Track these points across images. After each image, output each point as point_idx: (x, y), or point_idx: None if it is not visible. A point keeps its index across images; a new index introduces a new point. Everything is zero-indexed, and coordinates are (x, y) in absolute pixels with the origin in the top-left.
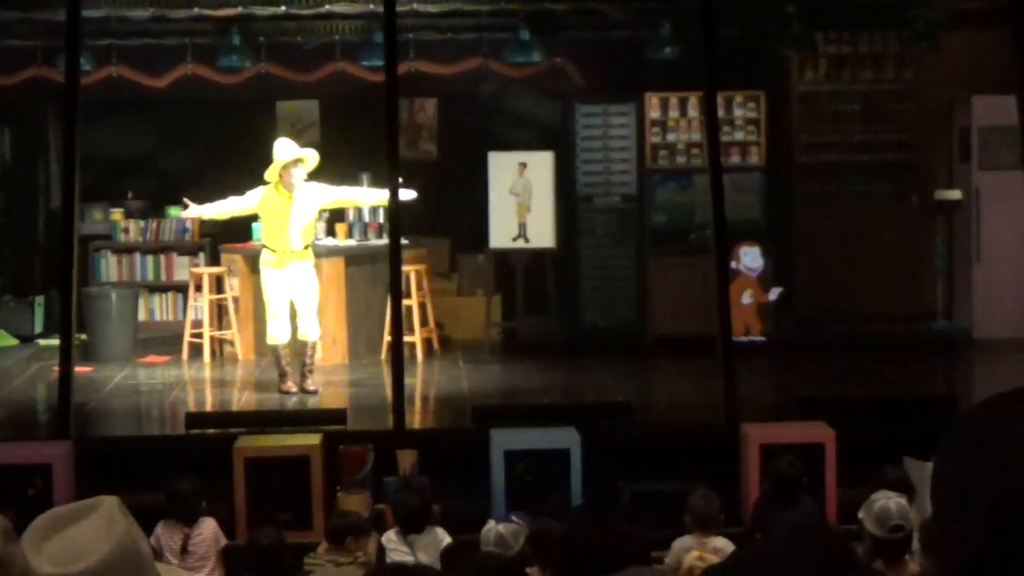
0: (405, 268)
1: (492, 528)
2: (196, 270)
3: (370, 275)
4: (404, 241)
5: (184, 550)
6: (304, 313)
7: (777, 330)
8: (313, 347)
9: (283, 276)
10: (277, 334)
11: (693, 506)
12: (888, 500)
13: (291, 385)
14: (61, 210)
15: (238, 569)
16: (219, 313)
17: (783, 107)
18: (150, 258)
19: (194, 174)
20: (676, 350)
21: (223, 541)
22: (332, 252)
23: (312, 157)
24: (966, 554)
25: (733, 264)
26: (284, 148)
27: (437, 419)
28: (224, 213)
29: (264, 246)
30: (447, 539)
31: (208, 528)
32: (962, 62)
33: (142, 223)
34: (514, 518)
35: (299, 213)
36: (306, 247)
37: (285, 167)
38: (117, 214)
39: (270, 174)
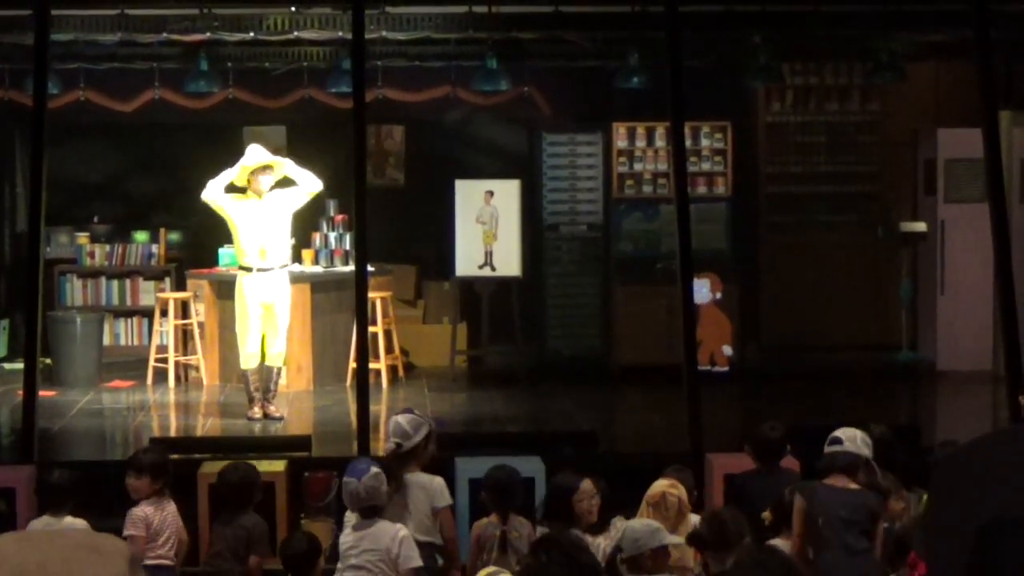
0: (371, 295)
1: (393, 419)
2: (162, 295)
3: (336, 302)
4: (370, 268)
5: (162, 521)
6: (274, 337)
7: (742, 360)
8: (279, 373)
9: (257, 295)
10: (250, 357)
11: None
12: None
13: (257, 411)
14: (27, 233)
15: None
16: (184, 338)
17: (749, 138)
18: (115, 282)
19: (161, 199)
20: (641, 379)
21: (181, 528)
22: (298, 279)
23: (280, 164)
24: None
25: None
26: (252, 154)
27: None
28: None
29: (239, 268)
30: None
31: (171, 508)
32: (927, 94)
33: (108, 247)
34: (415, 411)
35: (271, 220)
36: (282, 266)
37: (253, 172)
38: (83, 238)
39: (239, 179)
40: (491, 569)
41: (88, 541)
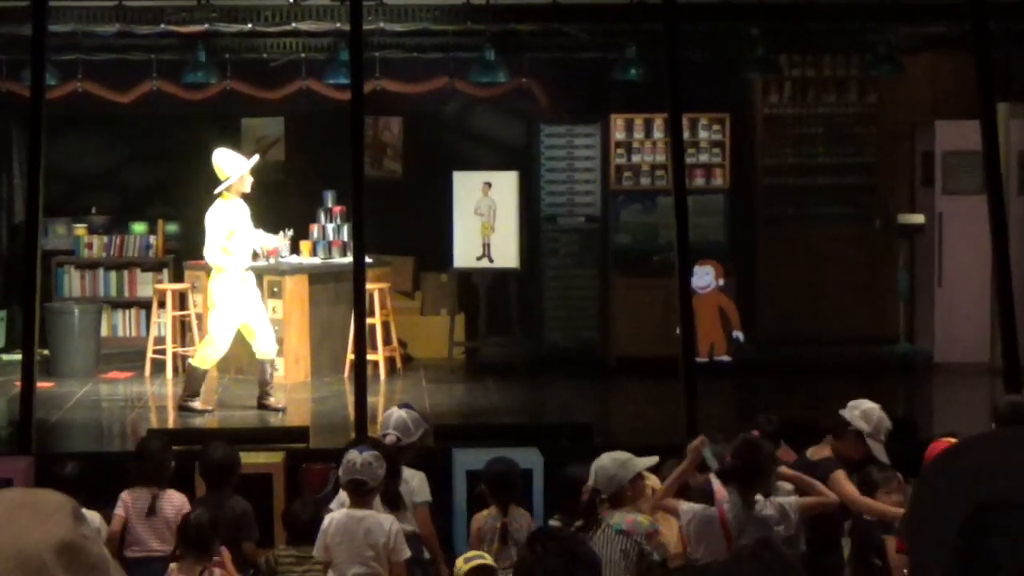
0: (369, 286)
1: (394, 412)
2: (159, 286)
3: (333, 293)
4: (368, 259)
5: (151, 511)
6: (264, 330)
7: (738, 352)
8: (273, 364)
9: (241, 295)
10: (216, 359)
11: (666, 474)
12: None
13: (201, 404)
14: (25, 225)
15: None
16: (182, 329)
17: (747, 130)
18: (113, 274)
19: (158, 190)
20: (638, 371)
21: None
22: (296, 270)
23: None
24: (940, 569)
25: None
26: (237, 156)
27: None
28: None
29: (222, 269)
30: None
31: (177, 498)
32: (925, 86)
33: (106, 238)
34: (413, 407)
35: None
36: None
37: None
38: (81, 229)
39: (243, 184)
40: (471, 553)
41: (28, 500)
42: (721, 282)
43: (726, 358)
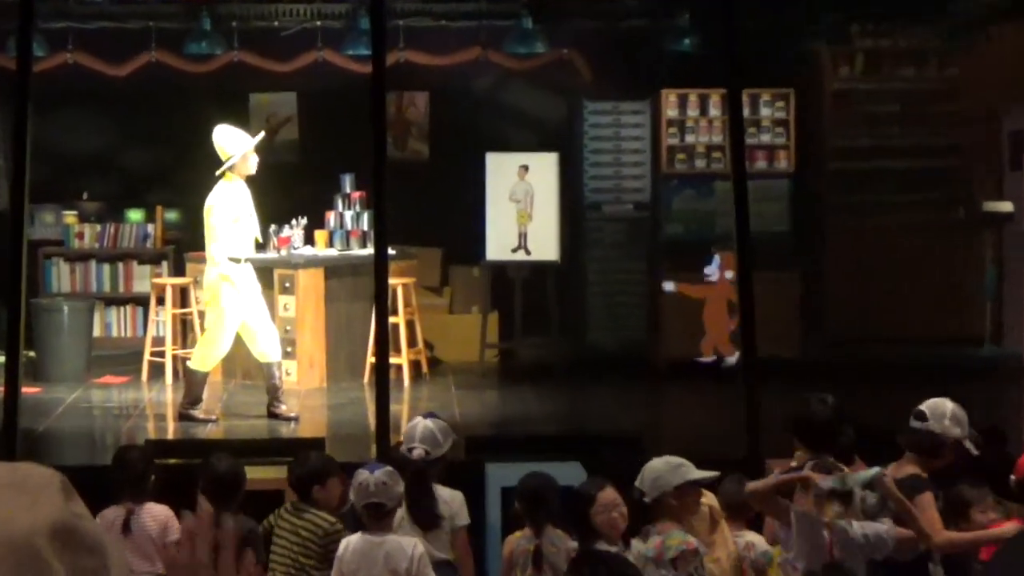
0: (392, 281)
1: (419, 423)
2: (158, 281)
3: (352, 289)
4: (391, 251)
5: (126, 528)
6: (265, 330)
7: (804, 352)
8: (282, 368)
9: (244, 291)
10: (217, 359)
11: (724, 491)
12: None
13: (204, 413)
14: (9, 212)
15: None
16: (183, 329)
17: (814, 107)
18: (107, 267)
19: (157, 174)
20: (691, 375)
21: (175, 534)
22: (311, 263)
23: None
24: None
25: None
26: (240, 134)
27: None
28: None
29: (223, 261)
30: None
31: (159, 511)
32: (1012, 59)
33: (99, 228)
34: (438, 416)
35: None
36: None
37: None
38: (71, 217)
39: (246, 165)
40: None
41: (13, 478)
42: (728, 275)
43: (732, 360)
